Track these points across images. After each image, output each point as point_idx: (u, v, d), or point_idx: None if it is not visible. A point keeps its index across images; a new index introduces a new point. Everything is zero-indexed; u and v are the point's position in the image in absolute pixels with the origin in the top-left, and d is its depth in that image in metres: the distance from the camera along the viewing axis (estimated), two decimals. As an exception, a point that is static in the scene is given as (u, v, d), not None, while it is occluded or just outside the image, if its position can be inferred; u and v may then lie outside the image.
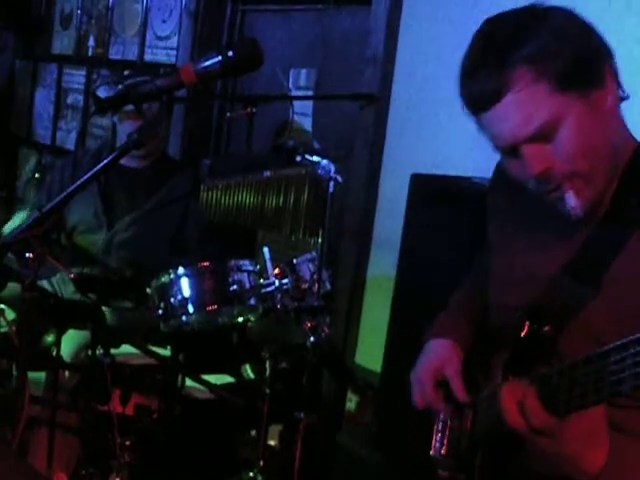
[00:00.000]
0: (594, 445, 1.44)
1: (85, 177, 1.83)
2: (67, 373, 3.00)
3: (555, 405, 1.39)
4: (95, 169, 1.84)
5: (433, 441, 1.90)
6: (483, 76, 1.51)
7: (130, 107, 1.95)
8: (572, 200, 1.55)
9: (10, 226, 3.87)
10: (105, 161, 1.85)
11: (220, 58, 1.81)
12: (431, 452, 1.91)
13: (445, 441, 1.87)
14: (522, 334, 1.65)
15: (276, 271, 2.74)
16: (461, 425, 1.82)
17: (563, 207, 1.57)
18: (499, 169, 1.89)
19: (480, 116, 1.57)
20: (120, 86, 2.02)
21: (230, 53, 1.81)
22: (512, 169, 1.63)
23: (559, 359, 1.59)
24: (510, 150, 1.57)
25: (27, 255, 1.77)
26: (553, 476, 1.51)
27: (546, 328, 1.63)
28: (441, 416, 1.88)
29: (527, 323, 1.64)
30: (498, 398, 1.51)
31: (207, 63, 1.82)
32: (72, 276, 2.81)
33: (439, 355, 1.91)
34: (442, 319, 2.04)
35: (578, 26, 1.53)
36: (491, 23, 1.59)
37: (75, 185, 1.82)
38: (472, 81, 1.54)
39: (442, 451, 1.88)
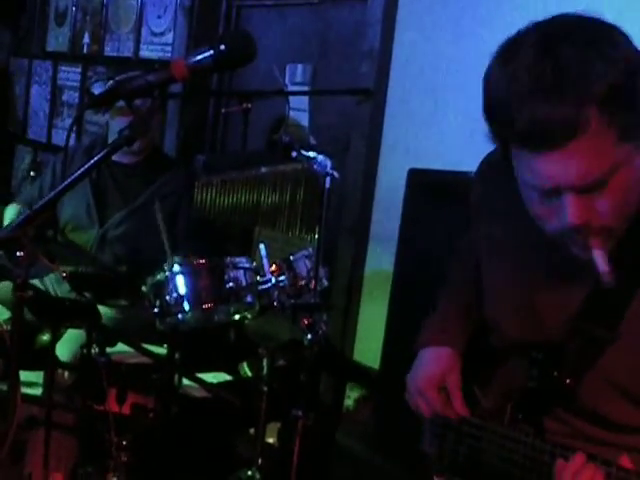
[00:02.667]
0: None
1: (76, 174, 1.80)
2: (66, 373, 2.98)
3: None
4: (86, 166, 1.82)
5: (426, 442, 1.88)
6: (552, 109, 1.28)
7: (122, 103, 1.93)
8: (602, 264, 1.42)
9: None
10: (96, 157, 1.82)
11: (212, 52, 1.78)
12: (425, 451, 1.89)
13: (440, 447, 1.85)
14: (540, 379, 1.62)
15: (273, 268, 2.71)
16: (458, 438, 1.79)
17: (580, 253, 1.45)
18: (483, 177, 1.83)
19: (531, 152, 1.35)
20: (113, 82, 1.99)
21: (222, 46, 1.78)
22: (537, 208, 1.45)
23: (581, 410, 1.60)
24: (550, 192, 1.39)
25: (18, 254, 1.75)
26: None
27: (568, 380, 1.58)
28: (435, 420, 1.85)
29: (546, 371, 1.61)
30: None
31: (199, 57, 1.79)
32: (64, 275, 2.78)
33: (439, 365, 1.86)
34: (436, 323, 1.96)
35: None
36: (555, 38, 1.33)
37: (66, 182, 1.79)
38: (536, 112, 1.29)
39: (436, 455, 1.86)
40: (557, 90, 1.28)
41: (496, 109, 1.37)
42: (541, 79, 1.30)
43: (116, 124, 3.67)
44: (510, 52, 1.36)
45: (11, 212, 3.99)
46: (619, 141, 1.31)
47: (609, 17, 1.37)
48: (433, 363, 1.88)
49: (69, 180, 1.82)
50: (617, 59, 1.30)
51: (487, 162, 1.83)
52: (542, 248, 1.56)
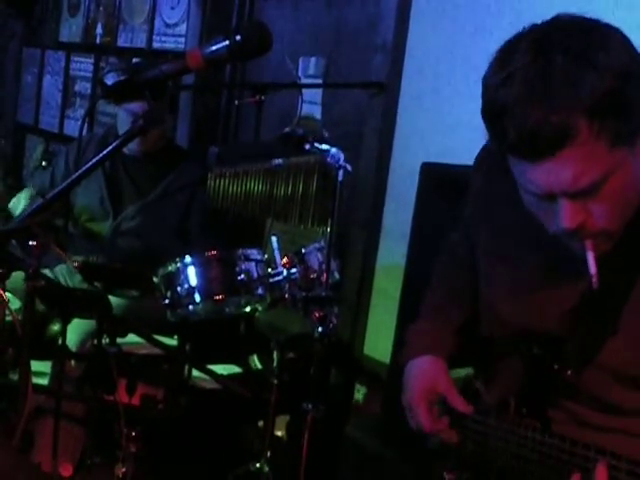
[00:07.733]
0: None
1: (89, 164, 1.80)
2: (73, 362, 2.98)
3: None
4: (99, 156, 1.81)
5: (430, 439, 1.88)
6: (541, 119, 1.28)
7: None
8: (592, 266, 1.43)
9: (15, 203, 3.86)
10: (109, 148, 1.82)
11: (227, 42, 1.77)
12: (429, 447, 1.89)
13: (444, 444, 1.84)
14: (542, 373, 1.63)
15: (284, 260, 2.71)
16: (463, 435, 1.79)
17: (580, 251, 1.46)
18: (483, 167, 1.79)
19: (523, 161, 1.36)
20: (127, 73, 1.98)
21: (238, 37, 1.77)
22: (535, 211, 1.47)
23: (583, 398, 1.62)
24: (545, 197, 1.40)
25: (30, 243, 1.75)
26: None
27: (569, 372, 1.59)
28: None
29: (548, 363, 1.61)
30: None
31: (214, 47, 1.78)
32: (76, 265, 2.78)
33: (427, 375, 1.83)
34: (420, 332, 1.93)
35: (637, 63, 1.34)
36: (547, 44, 1.32)
37: (79, 172, 1.79)
38: (524, 122, 1.29)
39: (442, 452, 1.85)
40: (546, 99, 1.28)
41: (490, 115, 1.38)
42: (531, 87, 1.29)
43: (124, 111, 3.65)
44: (505, 56, 1.37)
45: (25, 196, 3.95)
46: (612, 147, 1.31)
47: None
48: (419, 377, 1.85)
49: (81, 171, 1.81)
50: (609, 66, 1.28)
51: (487, 149, 1.79)
52: (541, 242, 1.57)
